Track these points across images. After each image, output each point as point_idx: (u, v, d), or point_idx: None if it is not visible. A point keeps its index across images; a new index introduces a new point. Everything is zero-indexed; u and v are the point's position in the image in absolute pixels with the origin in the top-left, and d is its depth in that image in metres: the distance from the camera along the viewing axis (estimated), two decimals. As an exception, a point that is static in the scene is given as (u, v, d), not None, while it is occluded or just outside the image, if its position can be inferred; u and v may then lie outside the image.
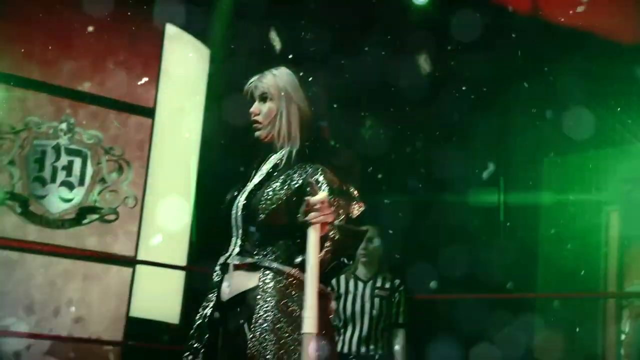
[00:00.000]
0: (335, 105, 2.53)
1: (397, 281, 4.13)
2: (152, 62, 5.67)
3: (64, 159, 5.35)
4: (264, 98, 2.40)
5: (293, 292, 2.23)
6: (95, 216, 5.41)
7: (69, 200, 5.34)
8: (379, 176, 5.84)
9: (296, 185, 2.29)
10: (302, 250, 2.20)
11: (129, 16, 5.55)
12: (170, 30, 5.78)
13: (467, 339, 5.22)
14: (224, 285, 2.34)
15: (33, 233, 5.15)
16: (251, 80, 2.45)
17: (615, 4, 5.69)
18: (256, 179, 2.38)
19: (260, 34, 5.58)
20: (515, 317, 5.29)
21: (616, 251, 5.70)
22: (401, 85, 5.79)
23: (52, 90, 5.33)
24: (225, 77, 5.72)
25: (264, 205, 2.28)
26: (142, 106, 5.62)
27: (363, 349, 4.01)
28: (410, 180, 6.17)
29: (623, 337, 5.61)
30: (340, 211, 2.20)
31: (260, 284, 2.24)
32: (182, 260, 5.70)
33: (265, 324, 2.19)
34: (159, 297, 5.59)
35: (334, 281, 4.13)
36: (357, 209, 2.29)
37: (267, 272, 2.26)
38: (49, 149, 5.31)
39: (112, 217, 5.45)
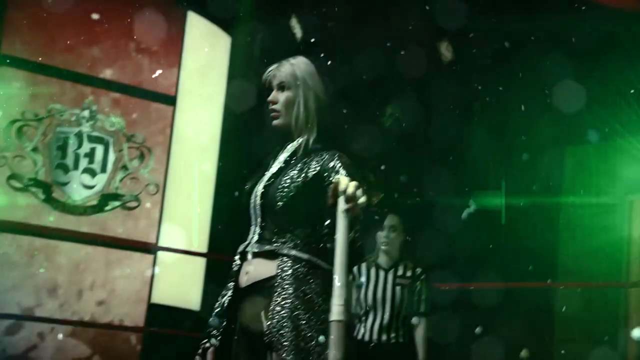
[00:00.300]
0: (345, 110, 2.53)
1: (419, 270, 4.13)
2: (173, 50, 5.69)
3: (86, 146, 5.38)
4: (281, 87, 2.42)
5: (311, 280, 2.25)
6: (117, 203, 5.44)
7: (91, 187, 5.37)
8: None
9: (313, 173, 2.31)
10: (320, 237, 2.24)
11: (152, 4, 5.56)
12: (192, 18, 5.78)
13: (486, 328, 5.22)
14: (243, 272, 2.37)
15: (56, 219, 5.19)
16: (269, 70, 2.48)
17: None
18: (274, 168, 2.40)
19: (281, 22, 5.57)
20: (535, 306, 5.27)
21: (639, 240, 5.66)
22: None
23: (74, 78, 5.36)
24: (246, 64, 5.73)
25: (282, 194, 2.30)
26: (163, 94, 5.64)
27: (384, 337, 4.01)
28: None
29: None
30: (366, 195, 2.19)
31: (279, 271, 2.26)
32: (203, 247, 5.73)
33: (283, 311, 2.20)
34: (180, 283, 5.63)
35: (355, 269, 4.14)
36: (376, 195, 2.29)
37: (286, 259, 2.27)
38: (71, 136, 5.34)
39: (133, 204, 5.48)
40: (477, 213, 5.86)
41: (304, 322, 2.19)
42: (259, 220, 2.36)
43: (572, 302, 5.52)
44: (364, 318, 4.07)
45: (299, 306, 2.21)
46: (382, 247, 4.13)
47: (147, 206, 5.50)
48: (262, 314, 2.26)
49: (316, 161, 2.32)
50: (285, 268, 2.26)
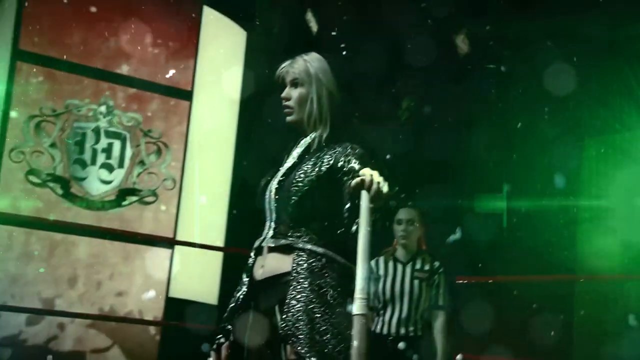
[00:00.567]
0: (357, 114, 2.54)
1: (437, 263, 4.12)
2: (189, 45, 5.70)
3: (104, 142, 5.41)
4: (295, 83, 2.43)
5: (326, 273, 2.26)
6: (135, 198, 5.46)
7: (108, 182, 5.40)
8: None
9: (327, 166, 2.31)
10: (335, 230, 2.26)
11: (167, 0, 5.58)
12: (208, 12, 5.79)
13: (508, 321, 5.21)
14: (258, 265, 2.38)
15: (74, 214, 5.23)
16: (282, 66, 2.49)
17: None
18: (288, 163, 2.41)
19: (297, 16, 5.57)
20: (554, 299, 5.25)
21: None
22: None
23: (91, 73, 5.38)
24: (262, 59, 5.73)
25: (296, 188, 2.31)
26: (180, 88, 5.65)
27: (402, 331, 4.00)
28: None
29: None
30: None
31: (294, 265, 2.27)
32: (220, 242, 5.75)
33: (299, 305, 2.21)
34: (198, 278, 5.65)
35: (373, 263, 4.14)
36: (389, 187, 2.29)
37: (301, 253, 2.29)
38: (88, 132, 5.37)
39: (151, 198, 5.51)
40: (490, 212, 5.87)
41: (319, 315, 2.20)
42: (273, 215, 2.37)
43: (591, 295, 5.49)
44: (382, 312, 4.06)
45: (314, 300, 2.21)
46: (400, 241, 4.12)
47: (164, 201, 5.53)
48: (277, 307, 2.27)
49: (329, 155, 2.33)
50: (301, 262, 2.27)
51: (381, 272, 4.10)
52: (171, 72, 5.63)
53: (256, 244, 2.40)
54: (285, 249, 2.31)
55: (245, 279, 2.42)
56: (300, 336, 2.17)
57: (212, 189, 5.82)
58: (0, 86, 5.08)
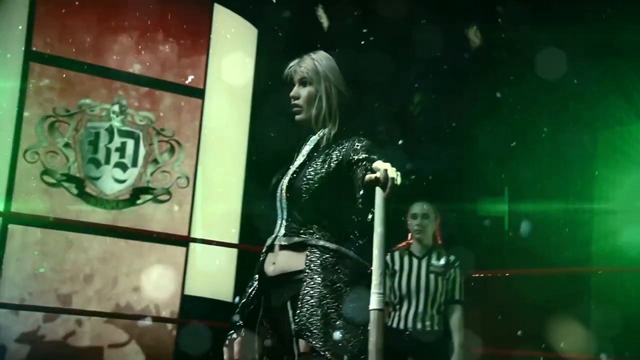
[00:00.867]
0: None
1: (452, 257, 4.11)
2: (201, 43, 5.71)
3: (117, 141, 5.43)
4: (303, 82, 2.45)
5: (339, 269, 2.28)
6: (149, 197, 5.48)
7: (122, 181, 5.42)
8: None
9: (336, 162, 2.33)
10: (347, 226, 2.30)
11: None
12: (219, 10, 5.80)
13: (524, 314, 5.20)
14: (269, 262, 2.40)
15: (89, 213, 5.25)
16: (290, 65, 2.50)
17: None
18: (298, 162, 2.43)
19: (308, 14, 5.56)
20: (571, 291, 5.23)
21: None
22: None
23: (103, 73, 5.40)
24: (274, 55, 5.73)
25: (307, 186, 2.32)
26: (192, 87, 5.67)
27: (419, 325, 4.00)
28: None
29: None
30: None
31: (307, 262, 2.29)
32: (234, 239, 5.76)
33: (312, 300, 2.23)
34: (213, 275, 5.67)
35: (388, 257, 4.13)
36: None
37: (314, 250, 2.30)
38: (102, 131, 5.39)
39: (165, 197, 5.52)
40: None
41: (333, 310, 2.21)
42: (285, 213, 2.38)
43: (608, 287, 5.47)
44: (398, 307, 4.06)
45: (328, 295, 2.23)
46: (415, 235, 4.12)
47: (178, 199, 5.54)
48: (289, 303, 2.29)
49: (338, 151, 2.35)
50: (314, 259, 2.29)
51: (397, 267, 4.10)
52: (183, 70, 5.64)
53: (268, 241, 2.42)
54: (298, 247, 2.33)
55: (256, 275, 2.44)
56: (315, 331, 2.19)
57: (225, 186, 5.83)
58: (14, 87, 5.10)
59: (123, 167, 5.43)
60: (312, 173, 2.33)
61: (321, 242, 2.30)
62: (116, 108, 5.43)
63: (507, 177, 6.17)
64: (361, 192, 2.13)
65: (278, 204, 2.40)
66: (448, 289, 4.05)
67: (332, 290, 2.23)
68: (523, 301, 5.42)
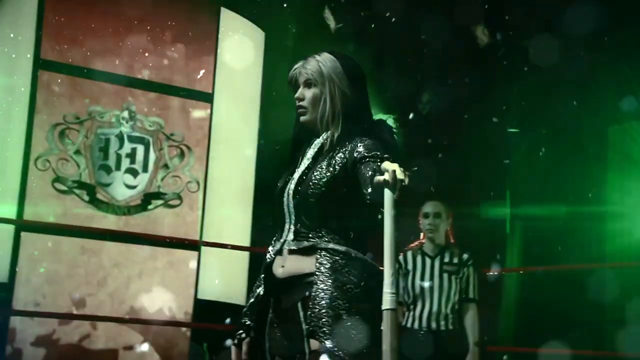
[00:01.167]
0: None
1: (465, 256, 4.10)
2: (208, 47, 5.72)
3: (127, 147, 5.44)
4: (308, 84, 2.44)
5: (349, 271, 2.28)
6: (160, 202, 5.49)
7: (133, 187, 5.43)
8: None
9: (340, 164, 2.33)
10: (355, 227, 2.30)
11: (184, 3, 5.61)
12: (226, 14, 5.81)
13: (539, 311, 5.18)
14: (277, 264, 2.40)
15: (100, 220, 5.27)
16: (295, 67, 2.50)
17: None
18: (302, 166, 2.43)
19: (314, 16, 5.57)
20: (584, 288, 5.22)
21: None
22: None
23: (112, 79, 5.42)
24: (281, 58, 5.74)
25: (313, 190, 2.33)
26: (200, 91, 5.68)
27: (434, 325, 4.00)
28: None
29: None
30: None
31: (318, 265, 2.30)
32: (246, 242, 5.76)
33: (323, 302, 2.23)
34: (225, 279, 5.67)
35: (401, 257, 4.13)
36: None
37: (324, 253, 2.31)
38: (112, 137, 5.40)
39: (176, 202, 5.53)
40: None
41: (344, 311, 2.22)
42: (292, 217, 2.38)
43: (622, 284, 5.44)
44: (412, 306, 4.05)
45: (339, 296, 2.23)
46: (428, 234, 4.11)
47: (189, 203, 5.55)
48: (299, 304, 2.30)
49: (342, 152, 2.35)
50: (324, 262, 2.30)
51: (410, 266, 4.09)
52: (191, 75, 5.66)
53: (276, 246, 2.42)
54: (307, 250, 2.34)
55: (263, 275, 2.45)
56: (327, 331, 2.20)
57: (236, 189, 5.84)
58: (24, 96, 5.13)
59: (134, 172, 5.44)
60: (318, 177, 2.34)
61: (330, 245, 2.31)
62: (125, 114, 5.45)
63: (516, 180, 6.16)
64: (369, 190, 2.13)
65: (285, 209, 2.39)
66: (462, 288, 4.05)
67: (342, 291, 2.24)
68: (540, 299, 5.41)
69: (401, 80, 6.14)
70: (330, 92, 2.40)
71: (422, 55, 5.90)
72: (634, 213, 5.57)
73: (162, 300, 5.37)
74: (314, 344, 2.23)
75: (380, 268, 2.27)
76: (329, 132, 2.42)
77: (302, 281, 2.32)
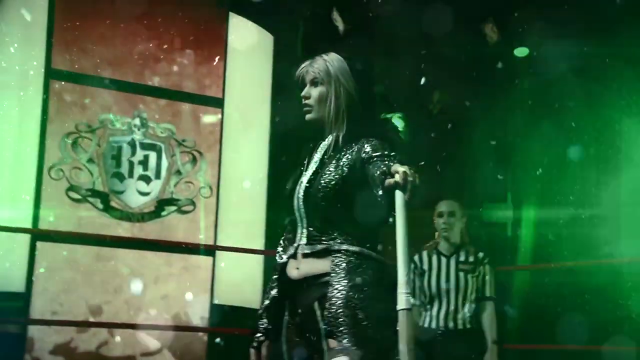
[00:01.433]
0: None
1: (481, 254, 4.08)
2: (218, 52, 5.74)
3: (140, 154, 5.46)
4: (315, 82, 2.46)
5: (363, 270, 2.30)
6: (173, 208, 5.51)
7: (147, 194, 5.45)
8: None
9: (348, 166, 2.35)
10: (367, 227, 2.32)
11: (193, 9, 5.63)
12: (234, 19, 5.82)
13: (554, 309, 5.16)
14: (292, 266, 2.42)
15: (115, 227, 5.28)
16: (302, 66, 2.52)
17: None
18: (310, 170, 2.44)
19: (323, 18, 5.57)
20: (600, 283, 5.19)
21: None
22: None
23: (123, 87, 5.44)
24: (291, 61, 5.74)
25: (322, 194, 2.34)
26: (211, 96, 5.70)
27: (451, 324, 3.98)
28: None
29: None
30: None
31: (333, 266, 2.32)
32: (260, 245, 5.77)
33: (339, 301, 2.25)
34: (240, 283, 5.68)
35: (416, 257, 4.12)
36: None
37: (338, 254, 2.33)
38: (124, 145, 5.42)
39: (189, 207, 5.55)
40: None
41: (360, 310, 2.24)
42: (304, 221, 2.40)
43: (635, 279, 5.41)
44: (429, 306, 4.04)
45: (354, 296, 2.25)
46: (442, 234, 4.10)
47: (203, 209, 5.56)
48: (316, 304, 2.32)
49: (349, 153, 2.37)
50: (339, 262, 2.31)
51: (425, 266, 4.08)
52: (201, 80, 5.67)
53: (291, 250, 2.43)
54: (321, 253, 2.36)
55: (276, 277, 2.48)
56: (344, 330, 2.22)
57: (248, 193, 5.85)
58: (36, 106, 5.16)
59: (146, 179, 5.46)
60: (327, 179, 2.35)
61: (344, 246, 2.32)
62: (137, 121, 5.47)
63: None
64: (380, 192, 2.14)
65: (296, 213, 2.41)
66: (478, 286, 4.03)
67: (358, 291, 2.26)
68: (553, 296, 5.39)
69: (408, 79, 6.13)
70: (335, 91, 2.42)
71: (429, 54, 5.88)
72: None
73: (178, 305, 5.38)
74: (332, 343, 2.26)
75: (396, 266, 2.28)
76: (335, 133, 2.43)
77: (318, 281, 2.33)
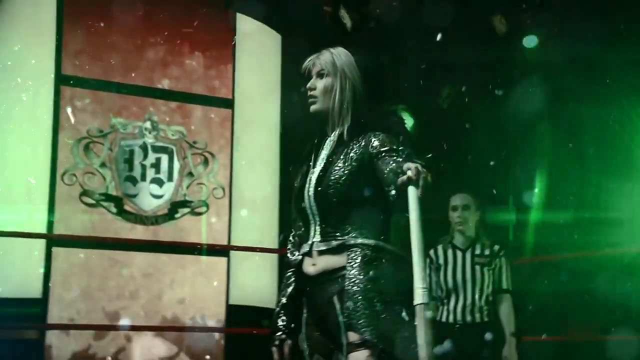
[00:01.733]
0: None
1: (497, 247, 4.07)
2: (226, 53, 5.74)
3: (152, 157, 5.47)
4: (321, 74, 2.46)
5: (379, 263, 2.31)
6: (187, 210, 5.52)
7: (160, 197, 5.46)
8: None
9: (356, 160, 2.36)
10: (380, 220, 2.34)
11: (200, 11, 5.64)
12: (242, 20, 5.83)
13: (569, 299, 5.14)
14: (308, 263, 2.42)
15: (129, 231, 5.30)
16: (309, 58, 2.52)
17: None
18: (318, 167, 2.44)
19: (330, 15, 5.56)
20: (616, 273, 5.16)
21: None
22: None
23: (133, 91, 5.46)
24: (299, 61, 5.73)
25: (333, 190, 2.35)
26: (220, 97, 5.70)
27: (469, 318, 3.97)
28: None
29: None
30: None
31: (349, 261, 2.33)
32: (274, 244, 5.77)
33: (358, 295, 2.26)
34: (255, 283, 5.68)
35: (432, 252, 4.11)
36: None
37: (354, 248, 2.33)
38: (136, 149, 5.43)
39: (202, 209, 5.56)
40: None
41: (379, 302, 2.25)
42: (317, 218, 2.41)
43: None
44: (445, 300, 4.03)
45: (372, 289, 2.26)
46: (457, 227, 4.09)
47: (216, 210, 5.57)
48: (335, 298, 2.32)
49: (356, 147, 2.38)
50: (355, 257, 2.32)
51: (441, 261, 4.07)
52: (211, 82, 5.68)
53: (304, 248, 2.43)
54: (337, 249, 2.36)
55: (291, 274, 2.48)
56: (364, 323, 2.23)
57: (261, 192, 5.85)
58: (47, 112, 5.18)
59: (159, 182, 5.47)
60: (337, 176, 2.36)
61: (359, 240, 2.33)
62: (148, 124, 5.48)
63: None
64: (393, 193, 2.14)
65: (308, 210, 2.41)
66: (495, 279, 4.02)
67: (375, 284, 2.27)
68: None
69: (416, 73, 6.12)
70: (341, 84, 2.42)
71: (437, 48, 5.86)
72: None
73: (194, 307, 5.39)
74: (352, 336, 2.26)
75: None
76: (340, 128, 2.43)
77: (336, 275, 2.34)
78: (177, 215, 5.49)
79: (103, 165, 5.31)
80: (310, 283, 2.41)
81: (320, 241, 2.39)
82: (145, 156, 5.46)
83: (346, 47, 2.53)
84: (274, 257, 5.77)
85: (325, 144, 2.47)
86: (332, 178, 2.36)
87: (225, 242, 5.54)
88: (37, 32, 5.23)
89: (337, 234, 2.36)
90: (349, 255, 2.32)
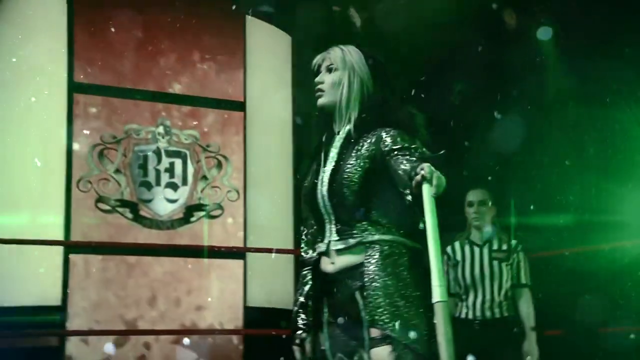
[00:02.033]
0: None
1: (514, 241, 4.06)
2: (237, 56, 5.75)
3: (165, 162, 5.49)
4: (330, 69, 2.47)
5: (399, 258, 2.31)
6: (202, 213, 5.53)
7: (175, 201, 5.48)
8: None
9: (368, 157, 2.35)
10: (396, 215, 2.32)
11: (210, 14, 5.65)
12: (251, 22, 5.84)
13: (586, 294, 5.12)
14: (326, 262, 2.43)
15: (145, 236, 5.32)
16: (320, 54, 2.54)
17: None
18: (330, 164, 2.44)
19: (339, 14, 5.57)
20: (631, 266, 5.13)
21: None
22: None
23: (145, 96, 5.48)
24: (310, 61, 5.73)
25: (347, 188, 2.35)
26: (232, 100, 5.72)
27: (488, 314, 3.96)
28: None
29: None
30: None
31: (367, 257, 2.33)
32: (290, 245, 5.78)
33: (379, 291, 2.27)
34: (272, 284, 5.69)
35: (449, 248, 4.11)
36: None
37: (372, 245, 2.33)
38: (150, 154, 5.45)
39: (217, 212, 5.57)
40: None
41: (399, 297, 2.26)
42: (332, 217, 2.41)
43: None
44: (464, 297, 4.02)
45: (393, 284, 2.27)
46: (474, 223, 4.08)
47: (231, 212, 5.58)
48: (357, 293, 2.32)
49: (367, 144, 2.37)
50: (373, 253, 2.32)
51: (458, 257, 4.07)
52: (222, 85, 5.69)
53: (321, 247, 2.43)
54: (355, 247, 2.36)
55: (308, 273, 2.49)
56: (387, 319, 2.24)
57: (275, 194, 5.86)
58: (61, 120, 5.20)
59: (174, 186, 5.49)
60: (350, 173, 2.35)
61: (377, 237, 2.33)
62: (161, 129, 5.50)
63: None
64: (408, 194, 2.14)
65: (322, 209, 2.42)
66: (513, 274, 4.01)
67: (396, 278, 2.28)
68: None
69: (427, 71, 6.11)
70: (349, 79, 2.43)
71: (447, 47, 5.85)
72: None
73: (212, 310, 5.40)
74: (374, 332, 2.27)
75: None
76: (348, 125, 2.42)
77: (356, 271, 2.34)
78: (192, 219, 5.51)
79: (117, 171, 5.33)
80: (329, 281, 2.41)
81: (337, 240, 2.39)
82: (159, 161, 5.47)
83: (356, 46, 2.53)
84: (290, 257, 5.77)
85: (334, 141, 2.46)
86: (345, 176, 2.35)
87: (241, 244, 5.55)
88: (49, 40, 5.26)
89: (354, 231, 2.36)
90: (367, 252, 2.32)
